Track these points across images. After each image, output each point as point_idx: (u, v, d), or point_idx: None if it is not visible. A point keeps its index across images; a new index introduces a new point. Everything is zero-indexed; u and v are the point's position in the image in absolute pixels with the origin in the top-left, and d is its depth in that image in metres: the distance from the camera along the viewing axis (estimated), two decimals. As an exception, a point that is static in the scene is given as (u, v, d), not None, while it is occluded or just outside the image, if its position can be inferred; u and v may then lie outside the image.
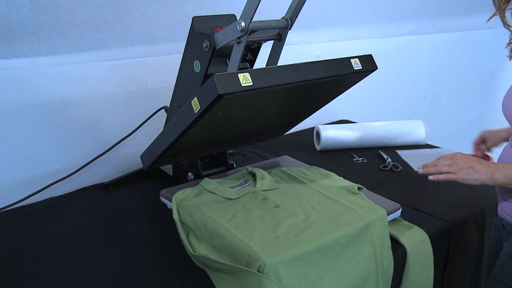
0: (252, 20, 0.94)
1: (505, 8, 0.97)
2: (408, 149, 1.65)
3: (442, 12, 2.33)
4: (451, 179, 1.01)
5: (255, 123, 1.20)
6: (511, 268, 0.99)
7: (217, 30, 1.07)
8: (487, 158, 1.29)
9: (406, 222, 1.10)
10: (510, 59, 1.03)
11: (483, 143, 1.32)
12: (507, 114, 1.02)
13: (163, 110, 1.37)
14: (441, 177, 1.03)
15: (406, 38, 2.24)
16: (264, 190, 1.13)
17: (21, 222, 1.17)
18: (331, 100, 1.23)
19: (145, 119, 1.41)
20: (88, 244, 1.07)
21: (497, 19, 1.00)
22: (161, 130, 1.09)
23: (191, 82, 1.13)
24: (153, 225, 1.15)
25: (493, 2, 0.98)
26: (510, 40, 1.01)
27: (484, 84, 2.74)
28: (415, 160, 1.54)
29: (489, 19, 1.01)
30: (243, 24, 0.94)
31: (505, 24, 0.99)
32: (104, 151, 1.38)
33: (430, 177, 1.04)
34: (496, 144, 1.28)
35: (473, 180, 1.00)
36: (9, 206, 1.22)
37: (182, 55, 1.14)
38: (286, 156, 1.40)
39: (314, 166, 1.29)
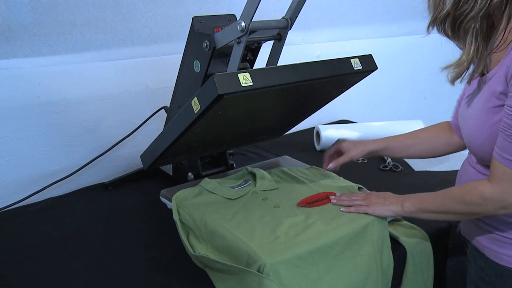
0: (252, 20, 0.94)
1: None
2: None
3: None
4: (363, 211, 1.01)
5: (255, 123, 1.20)
6: None
7: (217, 30, 1.07)
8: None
9: (406, 222, 1.10)
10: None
11: (337, 155, 1.23)
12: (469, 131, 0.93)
13: (163, 110, 1.37)
14: (352, 209, 1.02)
15: (406, 38, 2.24)
16: (264, 190, 1.13)
17: (21, 222, 1.17)
18: (331, 100, 1.23)
19: (145, 119, 1.41)
20: (88, 244, 1.07)
21: None
22: (161, 130, 1.09)
23: (191, 82, 1.13)
24: (153, 225, 1.15)
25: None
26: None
27: (484, 84, 2.73)
28: (414, 160, 1.54)
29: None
30: (243, 24, 0.94)
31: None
32: (104, 151, 1.38)
33: (342, 209, 1.02)
34: (358, 157, 1.18)
35: (385, 210, 0.99)
36: (9, 206, 1.22)
37: (182, 55, 1.14)
38: (286, 156, 1.40)
39: (314, 166, 1.29)
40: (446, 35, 0.87)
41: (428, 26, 0.91)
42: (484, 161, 0.91)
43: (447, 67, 0.94)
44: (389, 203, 1.00)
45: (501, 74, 0.82)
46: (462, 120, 0.96)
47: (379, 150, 1.19)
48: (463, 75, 0.91)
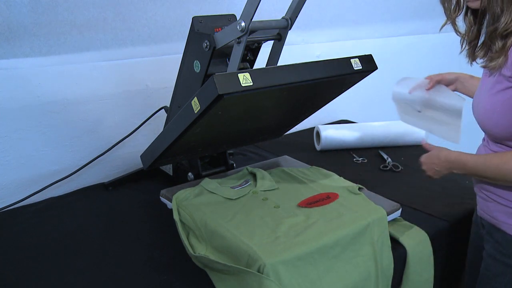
0: (252, 20, 0.94)
1: (455, 17, 1.00)
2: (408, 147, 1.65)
3: (442, 12, 2.33)
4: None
5: (255, 123, 1.20)
6: (496, 270, 1.01)
7: (217, 30, 1.07)
8: None
9: (406, 222, 1.10)
10: (471, 64, 1.06)
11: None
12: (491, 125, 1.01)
13: (163, 110, 1.37)
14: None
15: (406, 38, 2.24)
16: (265, 190, 1.13)
17: (21, 222, 1.17)
18: (331, 100, 1.23)
19: (145, 119, 1.41)
20: (88, 244, 1.07)
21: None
22: (161, 130, 1.09)
23: (191, 82, 1.13)
24: (153, 225, 1.15)
25: (444, 11, 1.01)
26: (462, 47, 1.04)
27: (484, 84, 2.73)
28: None
29: (441, 28, 1.05)
30: (243, 24, 0.94)
31: (457, 31, 1.02)
32: (104, 151, 1.38)
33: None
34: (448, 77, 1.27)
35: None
36: (9, 206, 1.22)
37: (182, 55, 1.14)
38: (286, 156, 1.39)
39: (314, 166, 1.29)
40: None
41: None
42: (498, 139, 0.98)
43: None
44: (441, 172, 1.08)
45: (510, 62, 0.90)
46: (475, 104, 1.03)
47: (464, 80, 1.25)
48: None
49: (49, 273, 0.97)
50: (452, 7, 0.99)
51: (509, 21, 0.88)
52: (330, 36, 1.98)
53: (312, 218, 1.00)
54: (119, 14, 1.37)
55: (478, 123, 1.02)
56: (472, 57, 1.03)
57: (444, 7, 1.01)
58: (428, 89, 1.25)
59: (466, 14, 1.01)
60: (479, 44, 1.00)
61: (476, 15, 0.98)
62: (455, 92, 1.24)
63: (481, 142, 1.08)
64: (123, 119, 1.42)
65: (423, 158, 1.11)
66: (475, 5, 0.95)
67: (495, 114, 0.94)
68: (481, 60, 0.99)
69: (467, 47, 1.04)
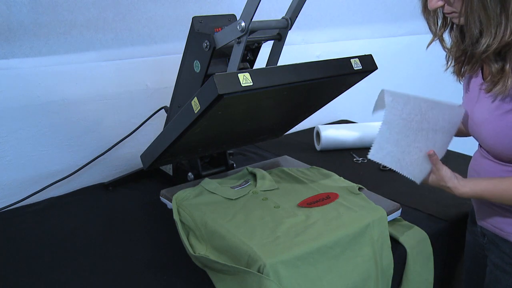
0: (252, 20, 0.94)
1: (442, 34, 0.96)
2: None
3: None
4: None
5: (255, 123, 1.20)
6: (507, 282, 0.98)
7: (217, 30, 1.07)
8: None
9: (406, 222, 1.10)
10: (460, 82, 1.01)
11: None
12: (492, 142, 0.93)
13: (163, 110, 1.37)
14: None
15: (406, 38, 2.24)
16: (265, 190, 1.13)
17: (21, 222, 1.17)
18: (331, 100, 1.23)
19: (145, 119, 1.41)
20: (88, 244, 1.07)
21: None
22: (161, 130, 1.09)
23: (191, 82, 1.13)
24: (153, 225, 1.15)
25: (429, 29, 0.96)
26: (448, 64, 0.99)
27: (484, 84, 2.73)
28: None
29: (428, 46, 0.99)
30: (243, 24, 0.94)
31: (445, 48, 0.98)
32: (104, 151, 1.38)
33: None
34: None
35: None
36: (9, 206, 1.22)
37: (182, 55, 1.14)
38: (286, 156, 1.39)
39: (314, 166, 1.29)
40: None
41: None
42: (504, 158, 0.92)
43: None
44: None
45: None
46: (476, 123, 0.96)
47: None
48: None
49: (49, 273, 0.97)
50: (439, 22, 0.95)
51: (490, 43, 0.82)
52: (330, 36, 1.98)
53: (312, 218, 1.00)
54: (119, 14, 1.37)
55: (483, 144, 0.96)
56: (459, 74, 0.98)
57: (428, 23, 0.96)
58: None
59: (451, 29, 0.96)
60: (466, 60, 0.95)
61: (463, 30, 0.91)
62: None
63: (477, 149, 1.04)
64: (123, 119, 1.42)
65: (432, 180, 0.96)
66: (459, 21, 0.89)
67: (508, 137, 0.88)
68: (479, 82, 0.94)
69: (453, 64, 0.99)
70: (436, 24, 0.95)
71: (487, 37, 0.82)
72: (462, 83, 1.03)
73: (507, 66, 0.84)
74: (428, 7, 0.90)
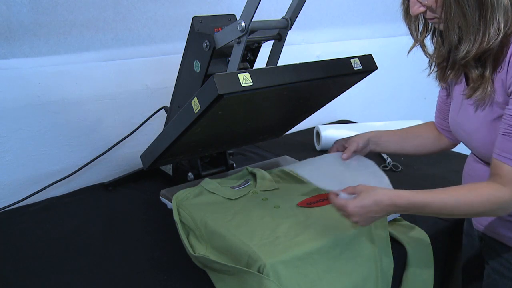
0: (252, 20, 0.94)
1: (423, 39, 0.95)
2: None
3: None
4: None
5: (255, 123, 1.20)
6: (506, 287, 0.98)
7: (217, 30, 1.07)
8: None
9: (406, 222, 1.10)
10: (443, 87, 1.02)
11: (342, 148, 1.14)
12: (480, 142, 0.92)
13: (163, 110, 1.37)
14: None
15: (406, 38, 2.23)
16: (265, 191, 1.13)
17: (21, 222, 1.17)
18: (331, 100, 1.23)
19: (145, 119, 1.41)
20: (88, 244, 1.07)
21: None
22: (161, 130, 1.09)
23: (191, 82, 1.13)
24: (153, 225, 1.15)
25: (411, 35, 0.96)
26: (430, 69, 0.99)
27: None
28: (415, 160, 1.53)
29: (409, 51, 0.98)
30: (243, 24, 0.94)
31: (426, 54, 0.97)
32: (104, 151, 1.38)
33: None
34: (361, 143, 1.12)
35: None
36: (9, 206, 1.22)
37: (182, 55, 1.14)
38: (286, 156, 1.39)
39: (314, 166, 1.29)
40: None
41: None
42: None
43: None
44: (380, 218, 0.89)
45: (499, 86, 0.84)
46: (461, 131, 0.97)
47: (376, 138, 1.15)
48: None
49: (49, 273, 0.97)
50: (421, 27, 0.94)
51: (469, 49, 0.82)
52: (330, 36, 1.98)
53: (312, 218, 1.00)
54: (119, 14, 1.37)
55: (475, 152, 0.96)
56: (442, 79, 0.97)
57: (409, 29, 0.95)
58: (345, 159, 1.10)
59: (433, 34, 0.95)
60: (448, 66, 0.94)
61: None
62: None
63: (469, 154, 1.04)
64: (123, 119, 1.43)
65: (352, 208, 0.85)
66: (440, 26, 0.88)
67: None
68: (462, 89, 0.93)
69: (436, 69, 0.98)
70: (417, 29, 0.95)
71: (466, 43, 0.83)
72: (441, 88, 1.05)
73: (487, 72, 0.85)
74: (410, 12, 0.91)
